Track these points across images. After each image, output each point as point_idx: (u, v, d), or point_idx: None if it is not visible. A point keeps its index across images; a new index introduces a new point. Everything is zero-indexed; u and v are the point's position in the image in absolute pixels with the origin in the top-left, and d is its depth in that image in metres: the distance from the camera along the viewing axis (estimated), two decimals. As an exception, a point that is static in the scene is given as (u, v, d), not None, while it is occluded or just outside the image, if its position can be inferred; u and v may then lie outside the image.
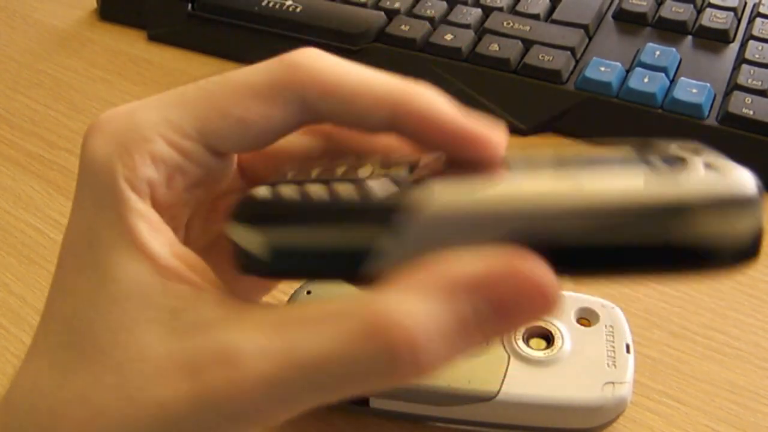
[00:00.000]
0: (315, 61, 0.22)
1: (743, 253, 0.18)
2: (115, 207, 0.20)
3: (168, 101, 0.22)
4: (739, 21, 0.51)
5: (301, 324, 0.18)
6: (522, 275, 0.17)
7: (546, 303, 0.17)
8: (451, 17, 0.52)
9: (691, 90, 0.45)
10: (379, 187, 0.19)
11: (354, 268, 0.19)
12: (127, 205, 0.20)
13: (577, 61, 0.49)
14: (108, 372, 0.18)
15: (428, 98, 0.21)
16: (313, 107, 0.21)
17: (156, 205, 0.21)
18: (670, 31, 0.50)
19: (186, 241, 0.22)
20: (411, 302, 0.17)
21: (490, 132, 0.21)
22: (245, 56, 0.55)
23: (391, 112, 0.21)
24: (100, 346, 0.19)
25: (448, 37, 0.50)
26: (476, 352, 0.18)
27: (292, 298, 0.32)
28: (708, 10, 0.51)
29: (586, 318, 0.32)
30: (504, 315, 0.18)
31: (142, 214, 0.20)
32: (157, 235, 0.20)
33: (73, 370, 0.19)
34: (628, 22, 0.52)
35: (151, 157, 0.21)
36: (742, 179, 0.18)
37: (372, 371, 0.17)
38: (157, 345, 0.18)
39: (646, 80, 0.46)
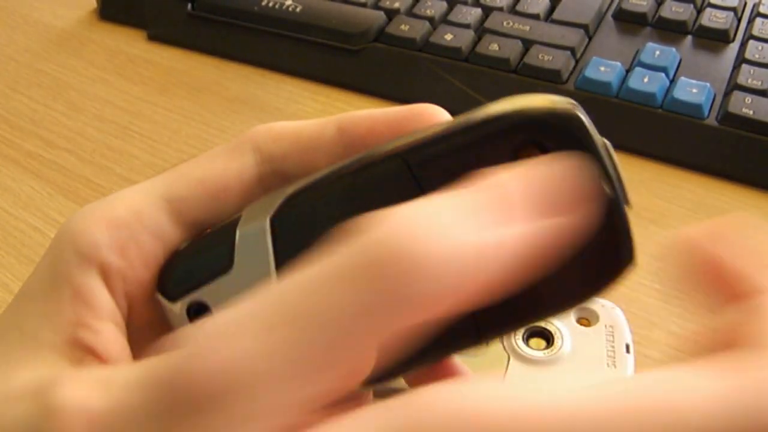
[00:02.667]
0: (266, 123, 0.24)
1: None
2: (53, 269, 0.21)
3: (144, 182, 0.23)
4: (739, 21, 0.51)
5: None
6: None
7: None
8: (451, 17, 0.52)
9: (691, 90, 0.45)
10: None
11: None
12: (61, 270, 0.21)
13: (577, 61, 0.49)
14: None
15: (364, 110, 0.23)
16: (268, 152, 0.23)
17: (105, 271, 0.21)
18: (670, 30, 0.50)
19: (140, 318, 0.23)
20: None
21: (428, 105, 0.22)
22: (245, 56, 0.55)
23: (336, 126, 0.23)
24: None
25: (448, 36, 0.50)
26: None
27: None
28: (708, 9, 0.51)
29: (586, 318, 0.32)
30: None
31: (72, 284, 0.21)
32: (74, 307, 0.21)
33: None
34: (628, 21, 0.52)
35: (106, 222, 0.21)
36: None
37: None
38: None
39: (646, 80, 0.46)
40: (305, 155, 0.23)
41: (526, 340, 0.31)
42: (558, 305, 0.20)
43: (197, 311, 0.22)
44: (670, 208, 0.42)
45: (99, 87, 0.53)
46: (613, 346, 0.31)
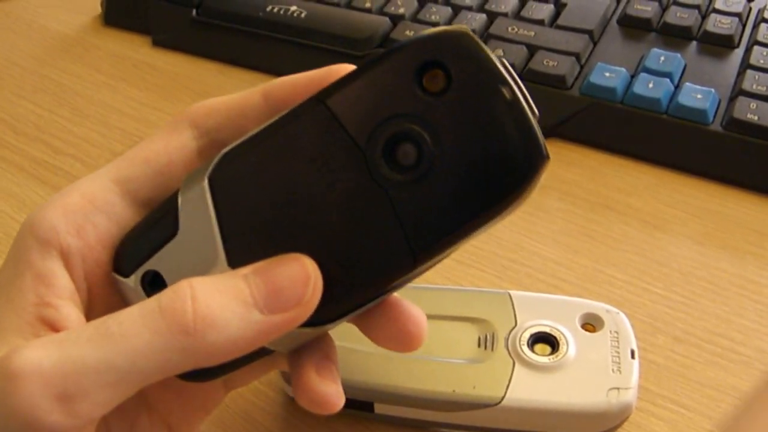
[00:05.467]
0: (199, 102, 0.26)
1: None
2: (16, 259, 0.23)
3: (96, 170, 0.25)
4: (744, 26, 0.51)
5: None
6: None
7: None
8: (456, 22, 0.52)
9: (695, 95, 0.45)
10: None
11: None
12: (22, 257, 0.23)
13: (581, 67, 0.49)
14: None
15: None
16: (204, 126, 0.25)
17: (65, 253, 0.23)
18: (674, 36, 0.50)
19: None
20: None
21: (345, 65, 0.24)
22: (249, 61, 0.56)
23: (261, 93, 0.25)
24: None
25: (452, 42, 0.50)
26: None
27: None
28: (713, 15, 0.51)
29: (591, 323, 0.32)
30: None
31: (33, 268, 0.22)
32: (36, 289, 0.22)
33: None
34: (633, 27, 0.52)
35: (62, 208, 0.23)
36: None
37: None
38: None
39: (650, 86, 0.46)
40: (236, 124, 0.25)
41: (531, 345, 0.31)
42: (488, 208, 0.20)
43: (152, 283, 0.23)
44: (674, 213, 0.42)
45: (104, 93, 0.54)
46: (618, 352, 0.31)
